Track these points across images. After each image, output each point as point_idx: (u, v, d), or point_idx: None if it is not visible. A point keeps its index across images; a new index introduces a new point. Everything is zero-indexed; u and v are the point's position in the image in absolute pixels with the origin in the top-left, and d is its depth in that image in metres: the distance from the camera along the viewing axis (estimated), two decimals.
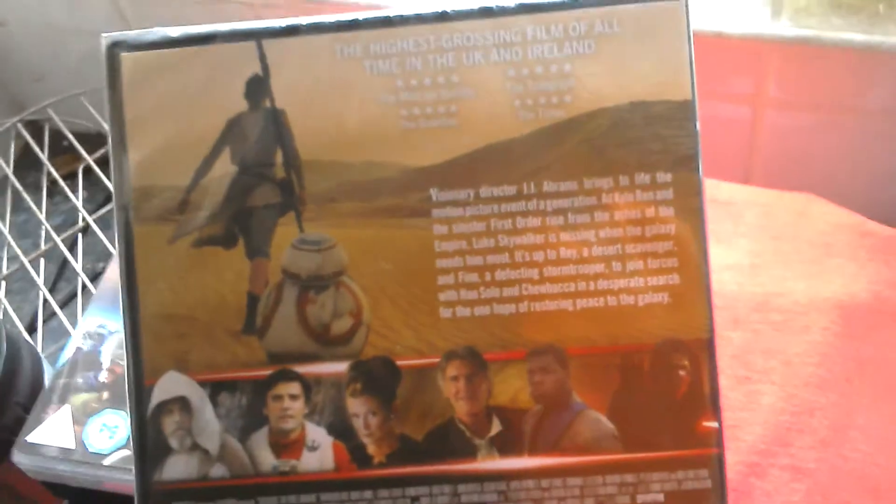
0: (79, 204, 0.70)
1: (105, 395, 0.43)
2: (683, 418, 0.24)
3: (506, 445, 0.24)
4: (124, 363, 0.25)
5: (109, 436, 0.41)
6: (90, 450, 0.40)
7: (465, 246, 0.25)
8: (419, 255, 0.25)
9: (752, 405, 0.53)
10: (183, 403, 0.25)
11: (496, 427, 0.24)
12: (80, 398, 0.43)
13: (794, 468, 0.51)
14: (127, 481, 0.39)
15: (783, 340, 0.54)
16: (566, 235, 0.25)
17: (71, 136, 0.75)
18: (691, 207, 0.24)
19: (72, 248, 0.70)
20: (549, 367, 0.24)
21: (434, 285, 0.25)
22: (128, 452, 0.40)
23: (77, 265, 0.67)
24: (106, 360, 0.44)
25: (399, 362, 0.25)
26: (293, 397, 0.25)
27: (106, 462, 0.40)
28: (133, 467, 0.25)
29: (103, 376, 0.44)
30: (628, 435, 0.24)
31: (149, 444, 0.25)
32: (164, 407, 0.25)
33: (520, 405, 0.24)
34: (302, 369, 0.25)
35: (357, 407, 0.25)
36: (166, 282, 0.25)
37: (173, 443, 0.25)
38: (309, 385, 0.25)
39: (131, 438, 0.25)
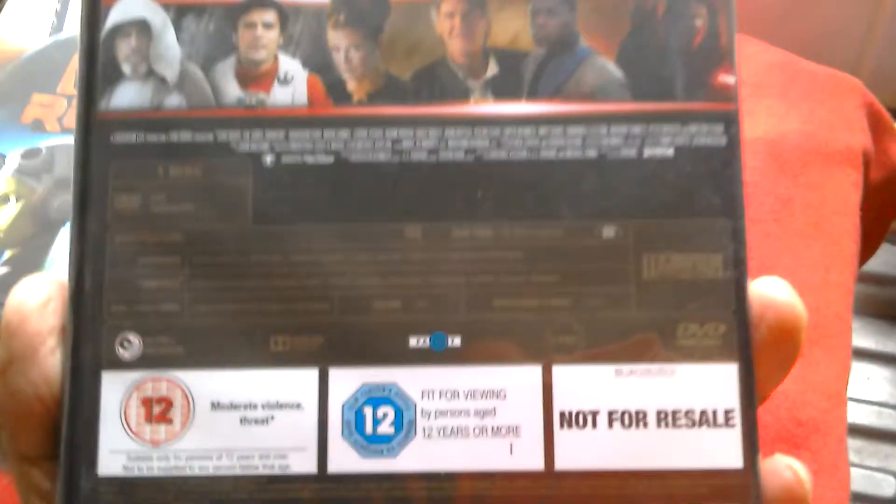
0: None
1: None
2: (698, 69, 0.23)
3: (502, 89, 0.23)
4: None
5: None
6: None
7: None
8: None
9: None
10: (142, 27, 0.24)
11: (492, 69, 0.24)
12: None
13: None
14: None
15: None
16: None
17: None
18: None
19: None
20: (555, 9, 0.24)
21: None
22: None
23: None
24: None
25: None
26: (267, 26, 0.24)
27: None
28: (77, 102, 0.24)
29: None
30: (638, 83, 0.23)
31: (97, 69, 0.24)
32: (120, 30, 0.24)
33: (520, 47, 0.24)
34: None
35: (339, 39, 0.24)
36: None
37: (126, 69, 0.24)
38: (286, 14, 0.24)
39: (78, 65, 0.24)
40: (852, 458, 0.53)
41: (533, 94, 0.24)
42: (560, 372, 0.23)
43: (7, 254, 0.38)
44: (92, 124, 0.23)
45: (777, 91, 0.58)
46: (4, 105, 0.43)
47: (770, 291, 0.23)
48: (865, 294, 0.55)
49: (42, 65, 0.45)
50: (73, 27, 0.47)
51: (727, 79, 0.23)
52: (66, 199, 0.24)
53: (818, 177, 0.56)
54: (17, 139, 0.42)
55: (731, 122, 0.23)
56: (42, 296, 0.22)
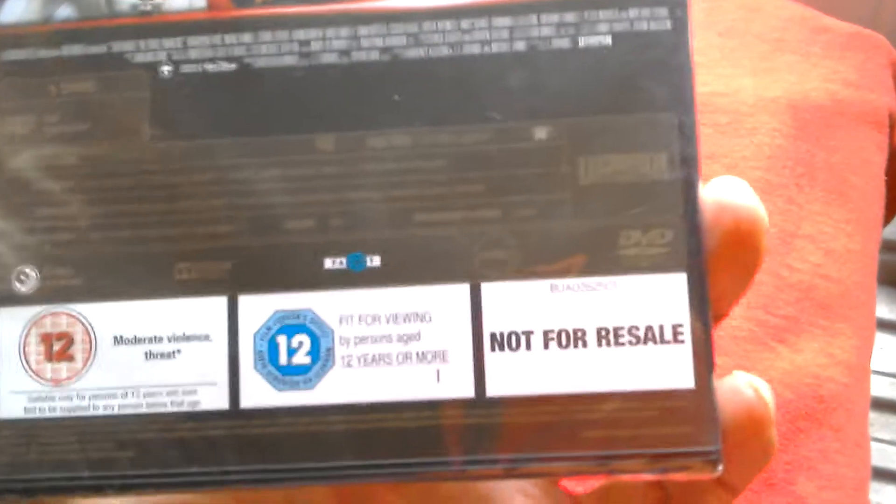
0: None
1: None
2: None
3: None
4: None
5: None
6: None
7: None
8: None
9: None
10: None
11: None
12: None
13: None
14: None
15: (728, 143, 0.54)
16: None
17: None
18: None
19: None
20: None
21: None
22: None
23: None
24: None
25: None
26: None
27: None
28: None
29: None
30: None
31: None
32: None
33: None
34: None
35: None
36: None
37: None
38: None
39: None
40: None
41: None
42: (490, 290, 0.21)
43: None
44: None
45: (798, 47, 0.56)
46: None
47: (726, 194, 0.21)
48: (880, 261, 0.54)
49: None
50: None
51: None
52: None
53: (842, 139, 0.54)
54: None
55: (676, 3, 0.22)
56: None
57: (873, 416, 0.58)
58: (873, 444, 0.52)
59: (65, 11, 0.23)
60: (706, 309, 0.21)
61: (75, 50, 0.22)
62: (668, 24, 0.22)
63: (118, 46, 0.22)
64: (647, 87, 0.21)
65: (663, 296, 0.21)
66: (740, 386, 0.21)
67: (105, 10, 0.23)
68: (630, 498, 0.23)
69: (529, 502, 0.24)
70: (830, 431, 0.47)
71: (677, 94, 0.21)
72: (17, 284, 0.22)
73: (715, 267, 0.21)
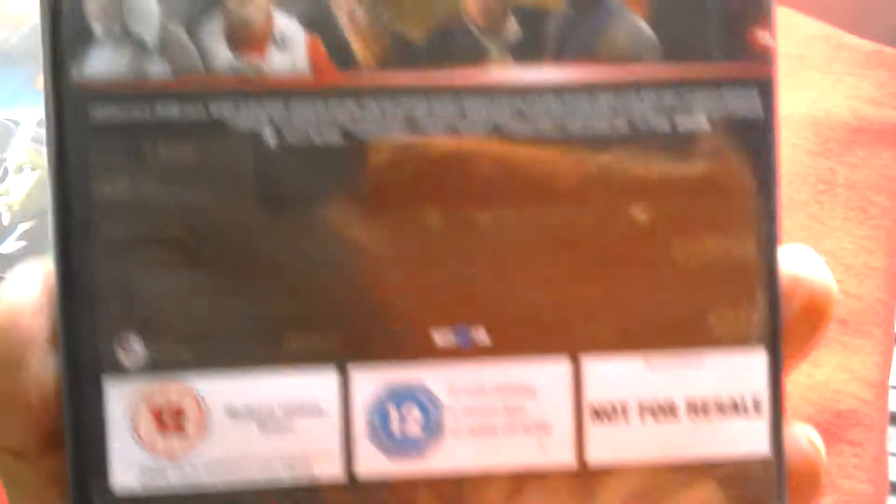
0: None
1: None
2: (735, 27, 0.22)
3: (523, 50, 0.22)
4: None
5: None
6: None
7: None
8: None
9: None
10: None
11: (513, 28, 0.22)
12: None
13: None
14: None
15: None
16: None
17: None
18: None
19: None
20: None
21: None
22: None
23: None
24: None
25: None
26: None
27: None
28: (43, 61, 0.21)
29: None
30: (671, 43, 0.22)
31: (64, 29, 0.21)
32: None
33: (544, 3, 0.22)
34: None
35: None
36: None
37: (97, 29, 0.21)
38: None
39: (41, 21, 0.22)
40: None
41: (558, 56, 0.22)
42: (590, 364, 0.22)
43: (23, 227, 0.37)
44: (65, 94, 0.21)
45: (820, 64, 0.57)
46: (19, 69, 0.42)
47: (801, 267, 0.22)
48: None
49: None
50: None
51: (765, 38, 0.22)
52: None
53: (863, 156, 0.55)
54: (32, 105, 0.41)
55: (768, 89, 0.22)
56: (37, 289, 0.21)
57: (892, 432, 0.59)
58: (892, 461, 0.52)
59: (157, 66, 0.22)
60: (780, 380, 0.22)
61: (172, 111, 0.22)
62: (760, 111, 0.22)
63: (217, 110, 0.22)
64: (739, 172, 0.22)
65: (746, 370, 0.22)
66: (799, 439, 0.22)
67: (200, 66, 0.22)
68: None
69: None
70: (849, 447, 0.48)
71: (765, 179, 0.22)
72: (123, 355, 0.21)
73: (787, 336, 0.22)
